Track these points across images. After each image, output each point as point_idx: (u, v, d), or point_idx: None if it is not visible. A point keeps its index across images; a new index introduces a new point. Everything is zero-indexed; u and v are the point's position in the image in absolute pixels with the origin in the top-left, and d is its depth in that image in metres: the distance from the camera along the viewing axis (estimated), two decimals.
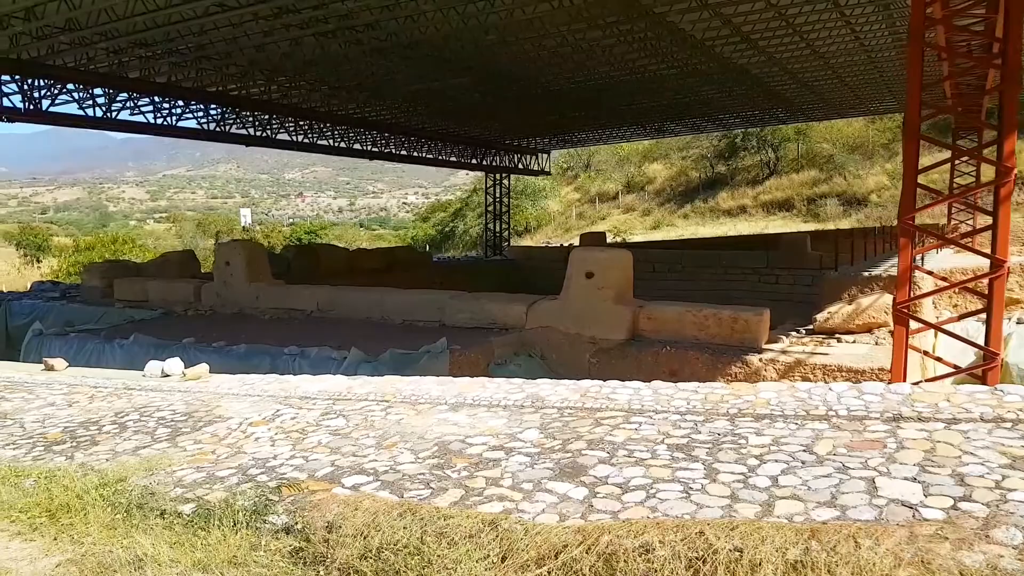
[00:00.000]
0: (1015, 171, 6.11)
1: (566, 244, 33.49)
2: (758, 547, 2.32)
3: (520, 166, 33.27)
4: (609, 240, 30.09)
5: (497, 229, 32.73)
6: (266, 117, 22.80)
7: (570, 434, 4.11)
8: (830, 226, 32.95)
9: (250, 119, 22.72)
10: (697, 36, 17.54)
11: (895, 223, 27.47)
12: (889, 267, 15.43)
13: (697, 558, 2.32)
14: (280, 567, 2.96)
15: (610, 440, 3.94)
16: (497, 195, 32.63)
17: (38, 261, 42.11)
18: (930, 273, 9.65)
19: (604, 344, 10.43)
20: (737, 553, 2.35)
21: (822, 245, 25.27)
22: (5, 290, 22.05)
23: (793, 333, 11.85)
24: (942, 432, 3.49)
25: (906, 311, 6.66)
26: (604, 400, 4.67)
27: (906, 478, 3.02)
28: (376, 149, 26.46)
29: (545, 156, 34.90)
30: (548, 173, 36.85)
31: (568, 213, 46.84)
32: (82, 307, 15.94)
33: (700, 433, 3.91)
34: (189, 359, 9.40)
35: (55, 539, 3.46)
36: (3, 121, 18.39)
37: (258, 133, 22.85)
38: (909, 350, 7.25)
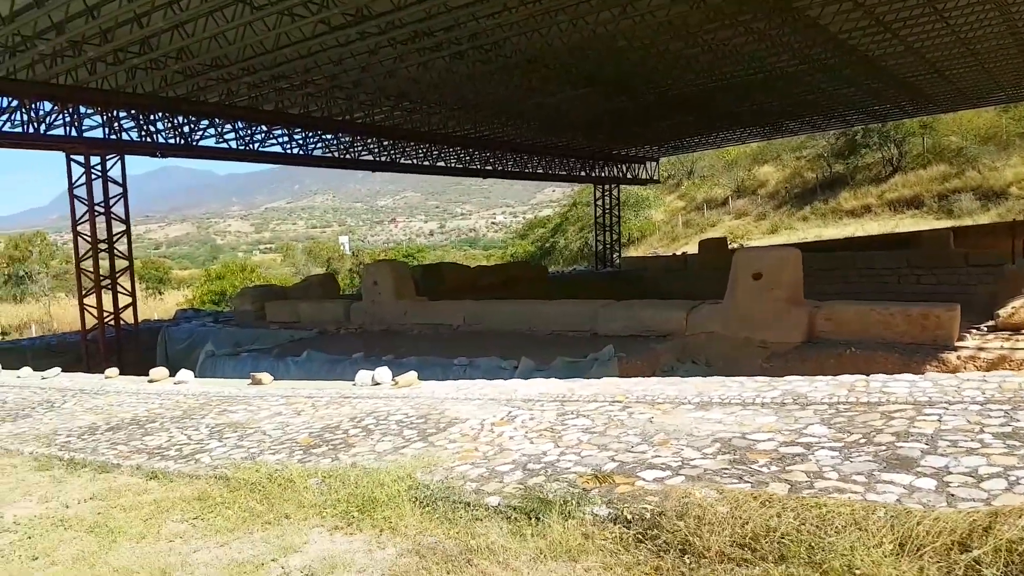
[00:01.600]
0: None
1: (679, 253, 32.84)
2: None
3: (629, 176, 32.98)
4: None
5: (607, 241, 32.48)
6: (388, 143, 23.60)
7: (865, 428, 3.89)
8: (967, 222, 30.82)
9: (373, 145, 23.58)
10: (833, 29, 16.87)
11: None
12: None
13: None
14: (634, 555, 2.90)
15: (919, 432, 3.70)
16: (607, 206, 32.42)
17: (159, 293, 44.57)
18: None
19: (777, 348, 10.04)
20: None
21: (962, 242, 23.75)
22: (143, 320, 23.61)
23: (974, 331, 11.05)
24: None
25: None
26: (878, 394, 4.42)
27: None
28: (489, 167, 26.87)
29: (654, 164, 34.47)
30: (657, 181, 36.37)
31: (673, 222, 45.97)
32: (238, 330, 16.84)
33: (1020, 421, 3.62)
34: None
35: (380, 531, 3.55)
36: (156, 156, 19.77)
37: (382, 158, 23.68)
38: None
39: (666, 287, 23.46)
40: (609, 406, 5.15)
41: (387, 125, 22.69)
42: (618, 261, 31.26)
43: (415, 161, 25.27)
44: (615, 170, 32.14)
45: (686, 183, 50.58)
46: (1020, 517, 2.38)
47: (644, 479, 3.61)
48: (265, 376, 7.74)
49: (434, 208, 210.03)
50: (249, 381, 7.83)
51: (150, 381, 9.01)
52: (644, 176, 33.91)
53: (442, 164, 26.19)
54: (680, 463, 3.77)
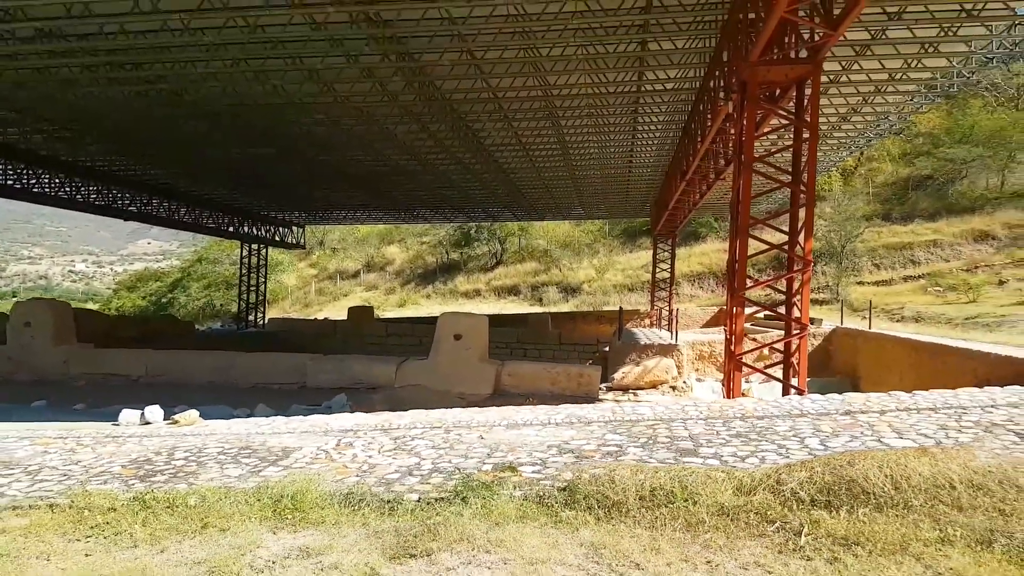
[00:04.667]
0: (811, 263, 9.31)
1: (322, 318, 33.45)
2: (898, 462, 4.11)
3: (276, 238, 32.75)
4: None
5: (252, 300, 31.50)
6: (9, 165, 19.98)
7: (644, 435, 5.53)
8: (553, 309, 37.88)
9: None
10: (488, 142, 20.26)
11: (605, 308, 33.20)
12: (645, 339, 19.11)
13: (879, 467, 4.02)
14: (570, 513, 3.94)
15: (682, 435, 5.46)
16: (252, 265, 31.57)
17: None
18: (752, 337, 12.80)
19: (472, 399, 11.71)
20: (886, 472, 4.07)
21: (557, 324, 29.49)
22: None
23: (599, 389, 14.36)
24: (880, 416, 5.68)
25: (740, 359, 9.30)
26: (632, 414, 6.17)
27: (895, 437, 5.06)
28: (134, 209, 24.33)
29: (300, 230, 34.83)
30: (303, 247, 36.68)
31: (306, 288, 46.32)
32: None
33: (734, 428, 5.63)
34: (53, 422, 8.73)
35: (327, 527, 3.90)
36: None
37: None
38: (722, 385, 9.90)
39: (321, 348, 23.95)
40: (432, 431, 5.99)
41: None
42: (264, 322, 30.49)
43: (47, 190, 21.60)
44: (263, 231, 31.68)
45: (317, 252, 51.57)
46: (800, 470, 4.14)
47: (527, 472, 4.66)
48: None
49: None
50: None
51: None
52: (292, 240, 34.03)
53: (80, 199, 22.81)
54: (541, 461, 4.91)
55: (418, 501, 4.26)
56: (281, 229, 33.00)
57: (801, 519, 3.67)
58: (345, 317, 29.31)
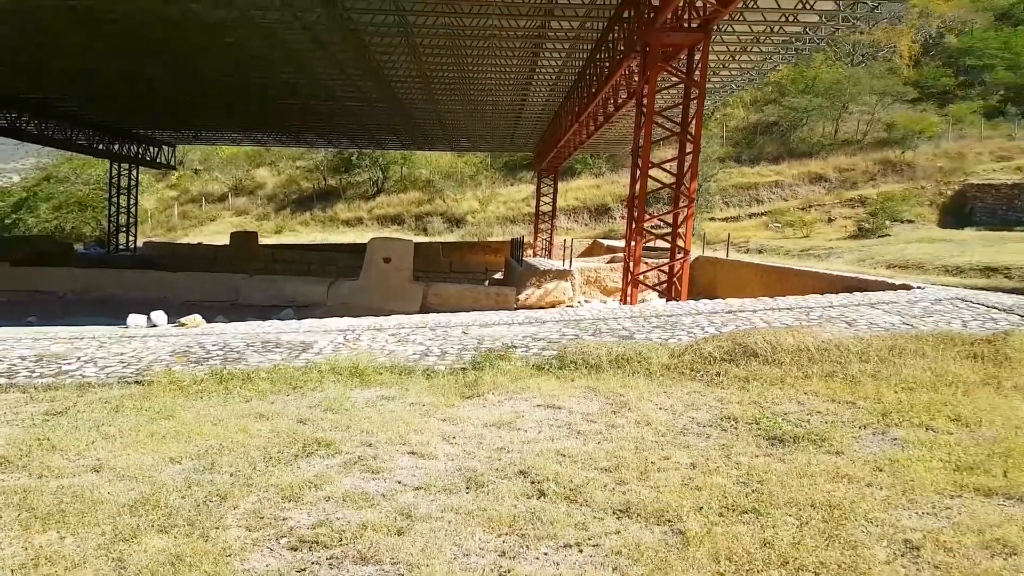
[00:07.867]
0: (694, 200, 11.32)
1: (194, 242, 32.63)
2: (774, 336, 6.03)
3: (147, 158, 31.24)
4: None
5: (122, 223, 30.16)
6: None
7: (590, 328, 7.22)
8: (438, 239, 39.05)
9: None
10: (390, 73, 20.82)
11: (490, 239, 34.95)
12: (542, 266, 20.97)
13: (763, 338, 5.91)
14: (567, 370, 5.54)
15: (616, 327, 7.20)
16: (123, 186, 30.10)
17: None
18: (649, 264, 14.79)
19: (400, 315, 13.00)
20: (767, 341, 5.99)
21: (447, 253, 30.85)
22: None
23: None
24: (753, 313, 7.70)
25: (638, 279, 11.27)
26: (574, 316, 7.86)
27: (765, 325, 7.06)
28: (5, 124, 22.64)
29: (170, 150, 33.31)
30: (175, 167, 35.07)
31: (168, 211, 44.20)
32: None
33: (653, 322, 7.45)
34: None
35: (390, 386, 5.26)
36: None
37: None
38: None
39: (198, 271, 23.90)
40: (419, 329, 7.34)
41: None
42: (136, 246, 29.43)
43: None
44: (132, 150, 30.13)
45: (178, 173, 48.88)
46: (711, 341, 5.97)
47: (520, 352, 6.20)
48: None
49: None
50: None
51: None
52: (162, 160, 32.54)
53: None
54: (524, 346, 6.45)
55: (446, 370, 5.70)
56: (152, 148, 31.47)
57: (717, 369, 5.51)
58: (225, 242, 28.99)
